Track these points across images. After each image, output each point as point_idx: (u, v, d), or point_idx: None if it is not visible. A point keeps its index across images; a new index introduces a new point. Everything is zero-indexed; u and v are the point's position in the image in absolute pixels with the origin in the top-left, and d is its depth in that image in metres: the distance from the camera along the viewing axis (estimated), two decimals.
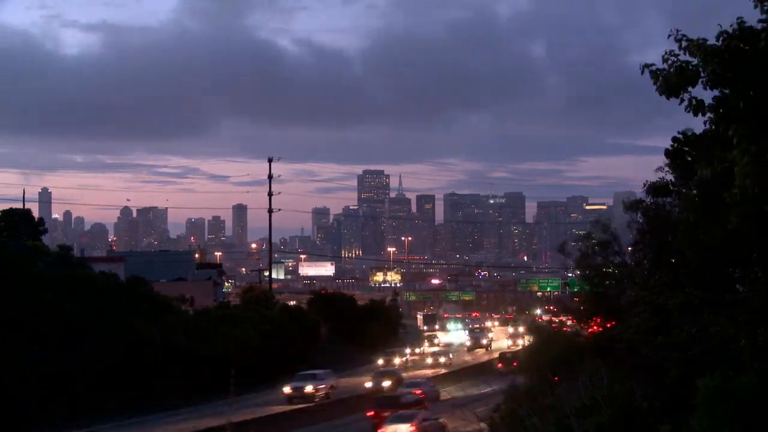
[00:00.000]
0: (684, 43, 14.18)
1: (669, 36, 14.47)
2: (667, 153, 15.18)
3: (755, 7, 13.93)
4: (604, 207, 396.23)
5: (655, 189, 16.63)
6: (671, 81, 14.20)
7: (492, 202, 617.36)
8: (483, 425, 36.38)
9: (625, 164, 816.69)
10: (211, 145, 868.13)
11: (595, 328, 36.26)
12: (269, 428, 51.05)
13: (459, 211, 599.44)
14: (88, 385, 61.04)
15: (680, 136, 15.07)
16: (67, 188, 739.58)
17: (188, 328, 75.99)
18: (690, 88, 14.40)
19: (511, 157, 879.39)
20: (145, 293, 77.69)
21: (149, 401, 64.52)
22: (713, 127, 14.27)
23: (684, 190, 18.89)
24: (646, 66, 14.66)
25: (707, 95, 14.76)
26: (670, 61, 14.39)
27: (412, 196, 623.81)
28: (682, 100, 14.46)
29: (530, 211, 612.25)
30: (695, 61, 14.14)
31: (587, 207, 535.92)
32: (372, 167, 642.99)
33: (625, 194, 31.33)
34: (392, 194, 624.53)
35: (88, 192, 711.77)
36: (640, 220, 25.97)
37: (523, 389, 38.17)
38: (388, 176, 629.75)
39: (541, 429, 21.64)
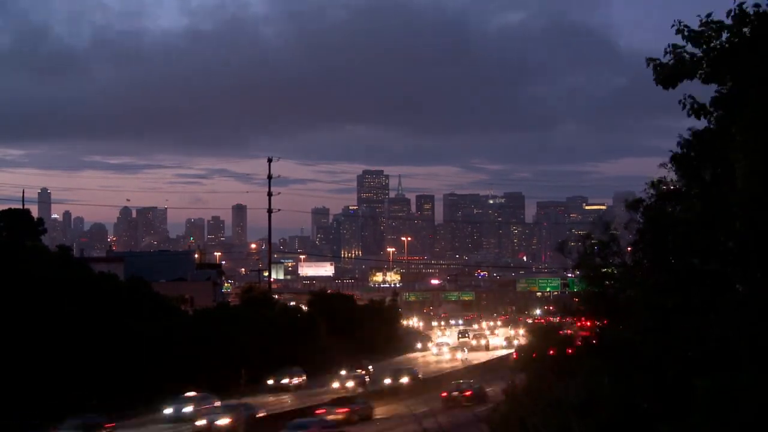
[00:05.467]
0: (686, 33, 14.35)
1: (672, 26, 14.66)
2: (674, 157, 15.24)
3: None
4: (603, 207, 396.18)
5: (659, 192, 16.59)
6: (667, 71, 14.39)
7: (491, 202, 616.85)
8: (483, 425, 36.43)
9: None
10: (235, 146, 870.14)
11: (595, 327, 36.25)
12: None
13: (458, 211, 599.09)
14: (87, 386, 61.01)
15: (686, 138, 15.13)
16: (85, 189, 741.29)
17: (188, 329, 75.95)
18: (687, 80, 14.55)
19: (533, 159, 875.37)
20: (144, 293, 77.66)
21: (149, 401, 64.46)
22: (717, 125, 14.30)
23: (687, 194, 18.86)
24: (650, 60, 14.85)
25: (706, 96, 14.85)
26: (671, 53, 14.57)
27: (411, 197, 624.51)
28: (684, 105, 14.57)
29: (530, 211, 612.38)
30: (698, 52, 14.28)
31: (587, 207, 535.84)
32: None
33: (625, 194, 31.15)
34: (392, 194, 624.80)
35: (99, 192, 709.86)
36: (640, 220, 25.90)
37: (523, 389, 38.19)
38: (387, 176, 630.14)
39: (542, 429, 21.67)
